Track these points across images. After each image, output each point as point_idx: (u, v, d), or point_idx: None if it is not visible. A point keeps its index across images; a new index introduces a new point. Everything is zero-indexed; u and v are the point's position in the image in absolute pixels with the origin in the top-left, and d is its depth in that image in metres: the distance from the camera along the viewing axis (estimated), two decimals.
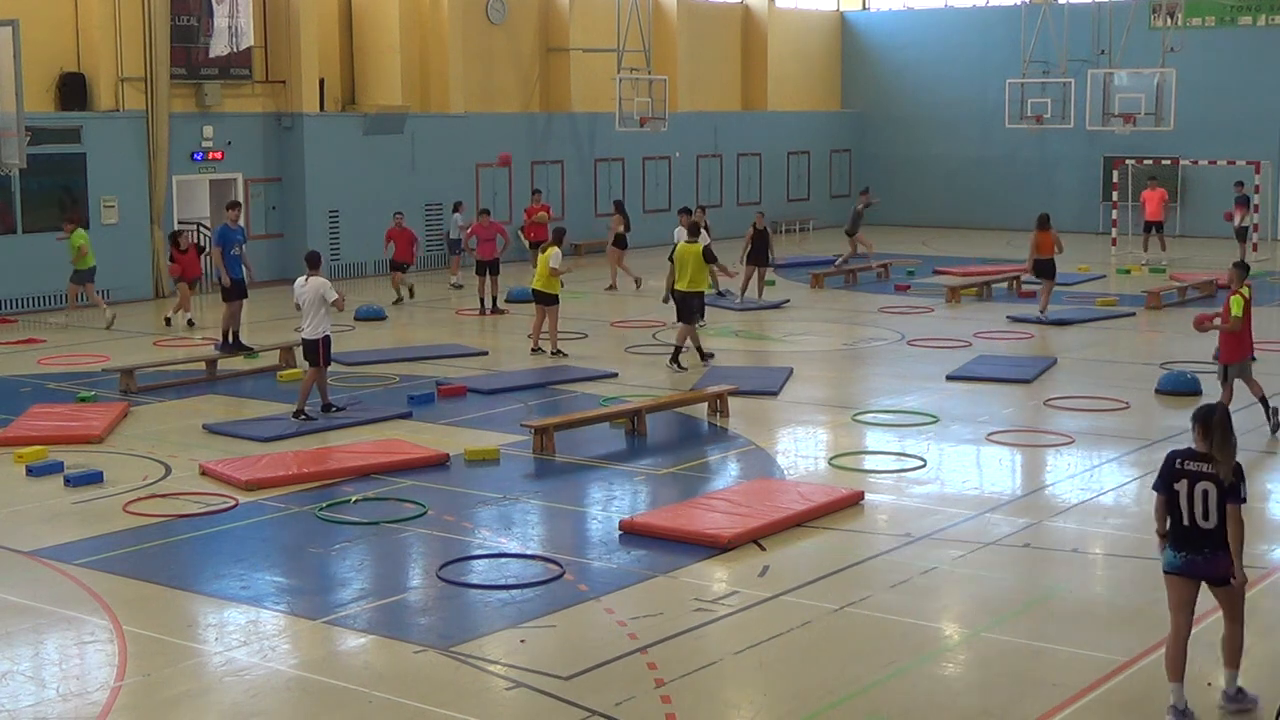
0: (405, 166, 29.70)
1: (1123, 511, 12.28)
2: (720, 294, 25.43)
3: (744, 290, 24.81)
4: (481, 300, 24.03)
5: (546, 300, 19.62)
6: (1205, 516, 8.10)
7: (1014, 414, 16.07)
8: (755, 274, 24.72)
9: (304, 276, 15.79)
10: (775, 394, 17.06)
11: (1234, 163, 33.11)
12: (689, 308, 18.74)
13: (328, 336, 15.62)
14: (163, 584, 10.42)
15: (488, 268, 23.79)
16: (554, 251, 19.71)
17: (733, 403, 16.16)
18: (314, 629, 9.50)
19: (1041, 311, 23.26)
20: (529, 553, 11.10)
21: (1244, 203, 30.11)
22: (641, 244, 30.20)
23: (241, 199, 27.05)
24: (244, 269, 20.20)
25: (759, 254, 24.52)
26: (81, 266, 22.38)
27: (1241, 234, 30.06)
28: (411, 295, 25.58)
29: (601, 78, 33.41)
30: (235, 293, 19.79)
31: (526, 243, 28.56)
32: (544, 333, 19.86)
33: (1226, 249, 32.24)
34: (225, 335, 19.75)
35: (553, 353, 19.63)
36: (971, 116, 39.49)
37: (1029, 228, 35.86)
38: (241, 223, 20.70)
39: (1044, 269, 23.34)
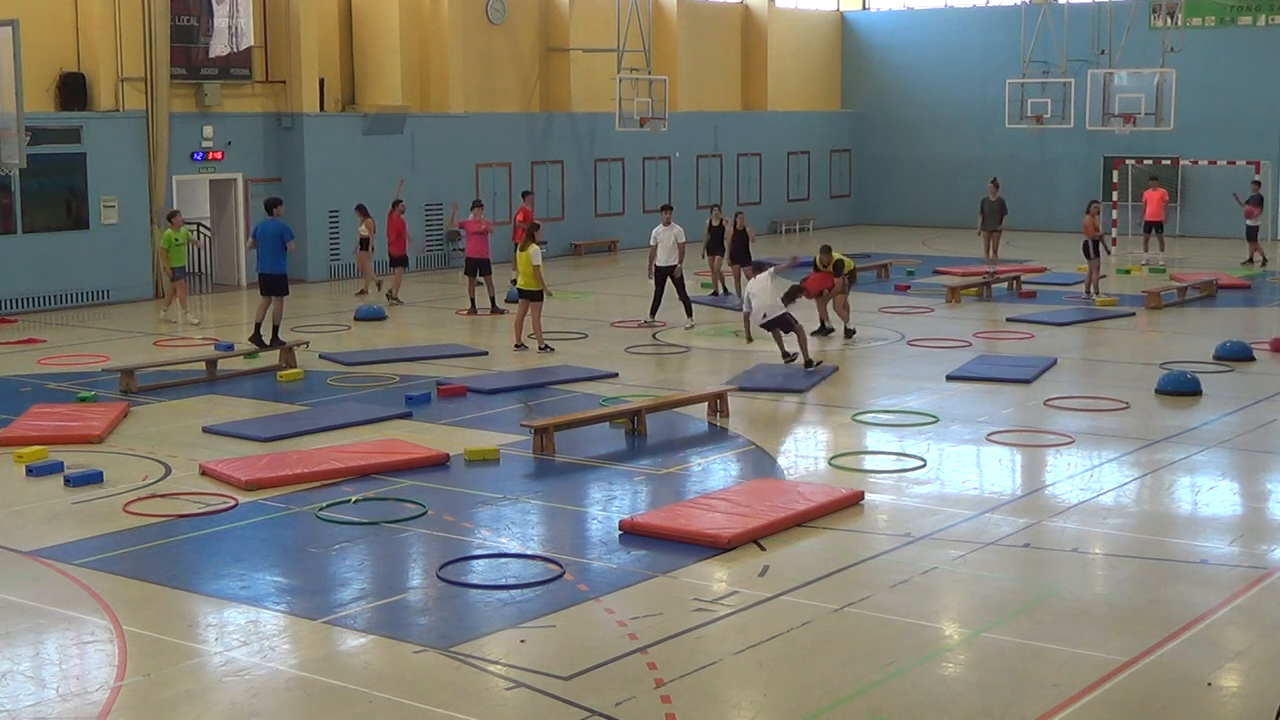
0: (405, 166, 29.69)
1: (1123, 511, 12.28)
2: (716, 295, 25.50)
3: (725, 289, 25.40)
4: (473, 300, 23.98)
5: (532, 296, 19.85)
6: None
7: (1014, 414, 16.07)
8: (743, 273, 24.77)
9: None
10: (776, 394, 17.06)
11: (1234, 163, 33.12)
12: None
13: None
14: (163, 584, 10.41)
15: (477, 266, 23.74)
16: (534, 249, 19.87)
17: (733, 403, 16.16)
18: (314, 629, 9.50)
19: (1086, 292, 25.23)
20: (529, 553, 11.10)
21: (1258, 202, 29.98)
22: (640, 244, 30.14)
23: (243, 198, 27.10)
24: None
25: (742, 253, 24.60)
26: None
27: (1253, 233, 29.94)
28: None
29: (601, 78, 33.42)
30: (268, 288, 19.67)
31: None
32: (529, 334, 20.06)
33: (1226, 249, 32.31)
34: (257, 329, 19.56)
35: (540, 348, 19.75)
36: (971, 116, 39.50)
37: (1029, 227, 36.40)
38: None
39: (1089, 249, 25.13)
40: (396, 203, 26.03)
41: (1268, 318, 24.28)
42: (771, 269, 19.56)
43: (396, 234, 25.68)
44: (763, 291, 18.95)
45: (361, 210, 26.66)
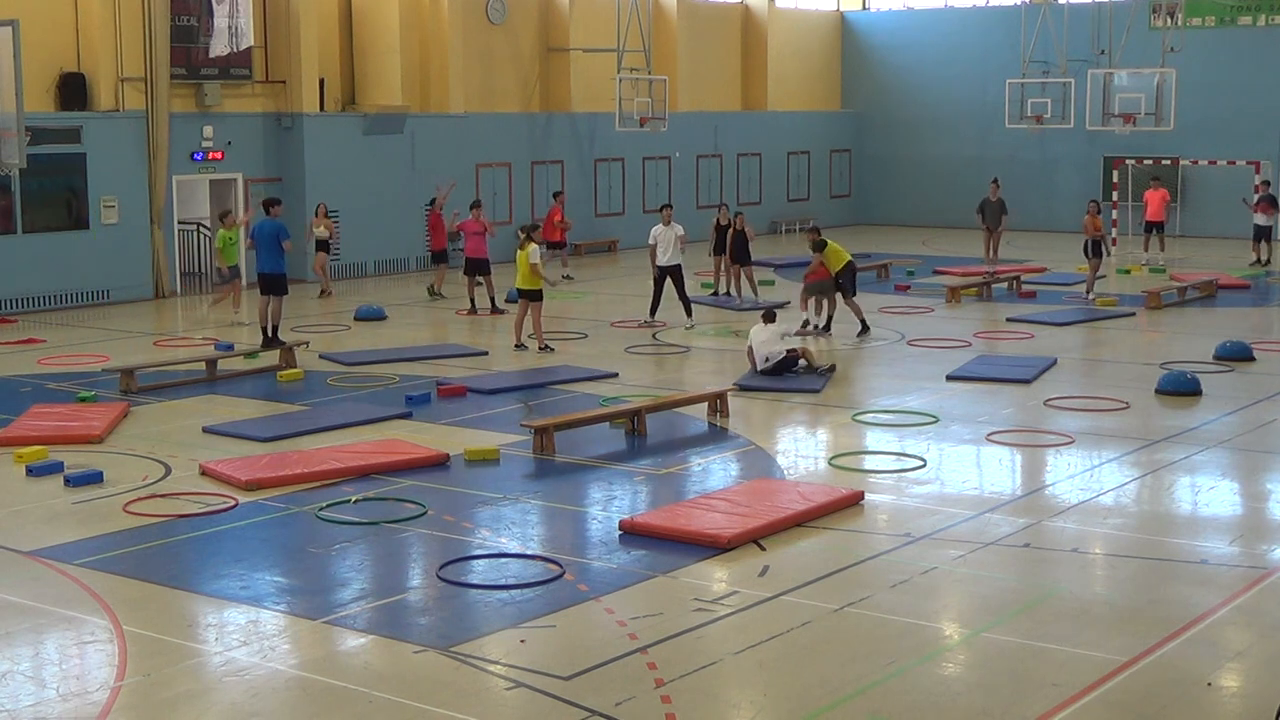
0: (405, 166, 29.70)
1: (1123, 511, 12.28)
2: (716, 295, 25.50)
3: (728, 289, 25.34)
4: (472, 300, 23.98)
5: (531, 296, 19.92)
6: None
7: (1014, 414, 16.07)
8: (743, 273, 24.78)
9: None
10: (776, 394, 17.07)
11: (1234, 163, 33.10)
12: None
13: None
14: (163, 584, 10.41)
15: (476, 267, 23.74)
16: (533, 248, 19.91)
17: (733, 403, 16.16)
18: (314, 629, 9.50)
19: (1088, 292, 25.02)
20: (529, 553, 11.10)
21: (1271, 202, 29.74)
22: (641, 244, 30.14)
23: (243, 198, 27.11)
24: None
25: (741, 253, 24.60)
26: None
27: (1265, 233, 29.63)
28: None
29: (601, 78, 33.42)
30: (265, 287, 19.74)
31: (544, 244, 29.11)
32: (529, 334, 20.10)
33: (1226, 249, 32.31)
34: (264, 329, 19.62)
35: (540, 348, 19.79)
36: (971, 116, 39.50)
37: (1029, 228, 36.41)
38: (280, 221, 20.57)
39: (1089, 248, 25.05)
40: (433, 200, 26.42)
41: (1267, 317, 24.28)
42: (780, 326, 18.55)
43: (435, 231, 26.15)
44: (769, 339, 18.11)
45: (321, 211, 26.27)
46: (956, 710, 8.11)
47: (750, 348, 18.17)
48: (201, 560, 11.08)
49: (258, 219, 20.89)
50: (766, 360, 17.90)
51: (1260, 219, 29.68)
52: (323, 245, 26.14)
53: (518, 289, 20.37)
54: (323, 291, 26.12)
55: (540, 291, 19.93)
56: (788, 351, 18.00)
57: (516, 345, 20.18)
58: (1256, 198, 30.08)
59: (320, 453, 13.96)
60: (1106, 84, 33.88)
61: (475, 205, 24.64)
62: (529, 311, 20.02)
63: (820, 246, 21.38)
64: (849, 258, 21.67)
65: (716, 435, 15.32)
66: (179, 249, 27.30)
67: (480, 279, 23.74)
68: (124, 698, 8.32)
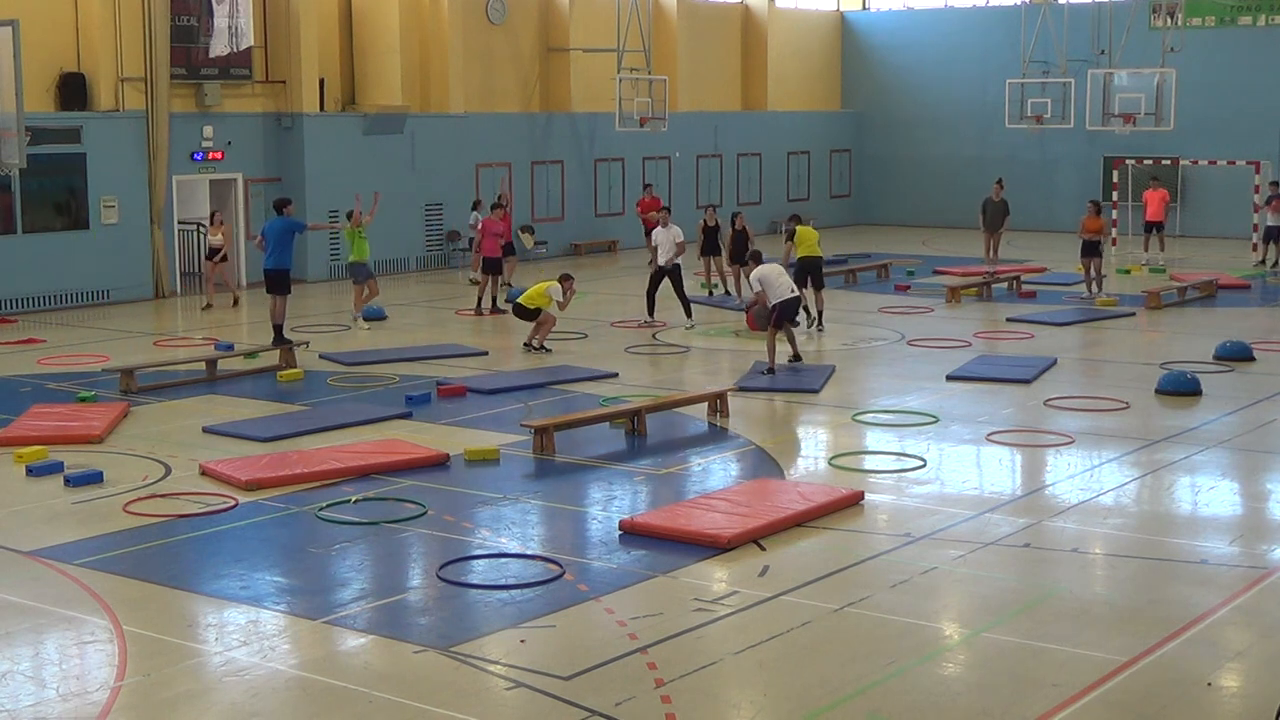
0: (405, 166, 29.70)
1: (1123, 511, 12.28)
2: (712, 294, 25.51)
3: (727, 289, 25.49)
4: (479, 300, 23.97)
5: (523, 314, 19.98)
6: None
7: (1014, 414, 16.07)
8: (742, 273, 24.77)
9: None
10: (776, 394, 17.06)
11: (1234, 163, 33.10)
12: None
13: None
14: (163, 584, 10.41)
15: (492, 266, 23.73)
16: (555, 286, 19.88)
17: (733, 403, 16.17)
18: (314, 629, 9.50)
19: (1090, 291, 25.24)
20: (529, 553, 11.11)
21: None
22: (640, 244, 30.13)
23: (243, 198, 27.11)
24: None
25: (740, 253, 24.58)
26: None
27: (1276, 234, 29.43)
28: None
29: (601, 78, 33.42)
30: (271, 285, 19.69)
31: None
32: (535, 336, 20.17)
33: (1226, 249, 32.28)
34: (276, 330, 19.57)
35: (536, 348, 19.79)
36: (971, 116, 39.49)
37: (1029, 228, 36.40)
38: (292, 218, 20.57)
39: (1088, 249, 25.18)
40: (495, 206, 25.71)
41: (1269, 316, 24.27)
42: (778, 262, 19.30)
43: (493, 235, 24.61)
44: (777, 276, 18.48)
45: (216, 217, 25.30)
46: (956, 710, 8.11)
47: (760, 294, 18.36)
48: (201, 560, 11.08)
49: (268, 219, 21.02)
50: (791, 291, 18.34)
51: (1272, 219, 29.47)
52: (215, 253, 24.79)
53: (518, 302, 20.22)
54: (208, 305, 24.88)
55: (536, 311, 19.87)
56: (797, 295, 18.60)
57: (525, 345, 20.14)
58: (1269, 196, 29.81)
59: (320, 453, 13.96)
60: (1106, 84, 33.86)
61: (497, 206, 24.71)
62: (536, 321, 19.99)
63: (790, 235, 22.08)
64: (810, 253, 21.69)
65: (716, 435, 15.32)
66: (179, 249, 27.29)
67: (491, 279, 23.79)
68: (124, 698, 8.32)
